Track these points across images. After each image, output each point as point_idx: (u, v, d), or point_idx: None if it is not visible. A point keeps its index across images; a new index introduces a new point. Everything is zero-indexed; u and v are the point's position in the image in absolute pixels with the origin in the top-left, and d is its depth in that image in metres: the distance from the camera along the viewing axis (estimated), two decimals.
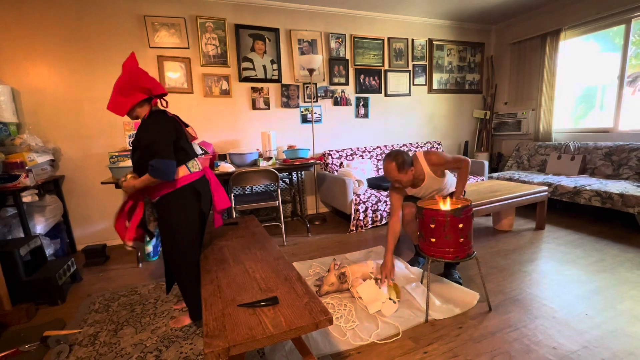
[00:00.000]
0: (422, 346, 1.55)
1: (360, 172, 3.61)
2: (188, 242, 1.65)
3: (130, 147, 2.88)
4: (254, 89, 3.58)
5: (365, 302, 1.85)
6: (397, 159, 1.89)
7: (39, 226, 2.64)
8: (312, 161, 3.22)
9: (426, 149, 2.08)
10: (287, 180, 3.80)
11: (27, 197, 2.57)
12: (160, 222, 1.65)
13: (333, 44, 3.85)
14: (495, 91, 4.82)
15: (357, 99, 4.10)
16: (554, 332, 1.59)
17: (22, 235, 2.50)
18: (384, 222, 3.38)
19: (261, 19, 3.51)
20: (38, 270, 2.21)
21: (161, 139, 1.52)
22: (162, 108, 1.65)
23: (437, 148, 4.47)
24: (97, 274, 2.61)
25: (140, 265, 2.72)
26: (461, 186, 2.05)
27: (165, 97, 1.66)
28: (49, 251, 2.69)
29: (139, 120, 1.64)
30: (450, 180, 2.19)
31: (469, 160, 2.05)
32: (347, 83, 4.00)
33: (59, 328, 1.85)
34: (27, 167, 2.52)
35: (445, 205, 1.77)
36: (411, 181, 1.99)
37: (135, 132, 2.87)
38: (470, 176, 3.93)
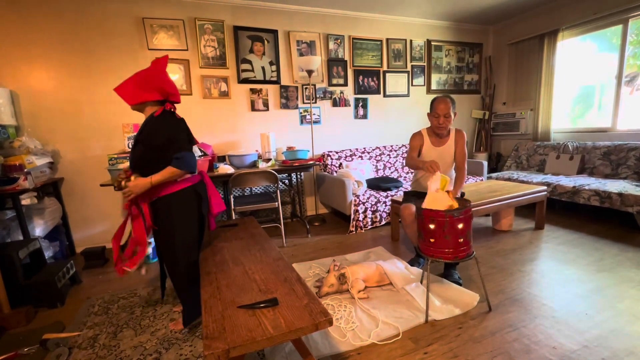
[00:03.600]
0: (422, 347, 1.55)
1: (360, 173, 3.61)
2: (185, 245, 1.64)
3: (130, 149, 2.89)
4: (252, 91, 3.58)
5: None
6: (453, 100, 2.14)
7: (38, 229, 2.64)
8: (311, 162, 3.22)
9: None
10: (287, 181, 3.80)
11: (26, 200, 2.57)
12: (158, 223, 1.64)
13: (332, 45, 3.86)
14: (493, 91, 4.83)
15: (356, 99, 4.11)
16: (553, 332, 1.59)
17: (21, 238, 2.49)
18: (383, 222, 3.38)
19: (260, 20, 3.51)
20: (37, 273, 2.21)
21: (181, 134, 1.57)
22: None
23: None
24: (97, 276, 2.61)
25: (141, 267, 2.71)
26: (458, 186, 2.19)
27: (176, 104, 1.68)
28: (48, 254, 2.69)
29: (140, 115, 1.65)
30: (452, 174, 2.35)
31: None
32: (345, 84, 4.01)
33: (58, 331, 1.85)
34: (26, 170, 2.51)
35: (445, 202, 1.77)
36: (446, 128, 2.17)
37: (136, 132, 2.89)
38: (469, 176, 3.93)
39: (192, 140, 1.68)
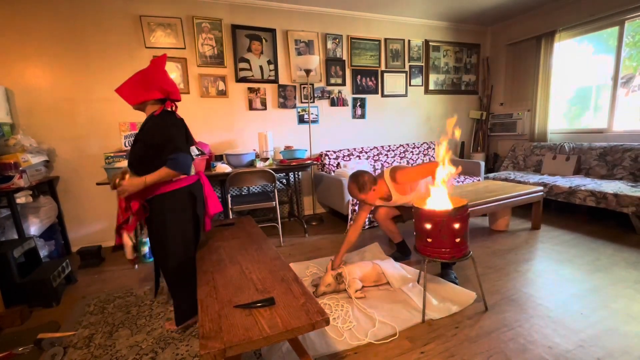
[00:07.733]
0: (419, 346, 1.55)
1: None
2: (178, 245, 1.64)
3: (127, 147, 2.88)
4: (250, 90, 3.57)
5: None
6: (358, 180, 2.03)
7: (33, 227, 2.62)
8: (309, 162, 3.21)
9: (394, 166, 2.13)
10: (284, 180, 3.80)
11: (21, 198, 2.55)
12: (152, 222, 1.64)
13: (330, 45, 3.85)
14: (491, 92, 4.84)
15: (354, 99, 4.10)
16: (549, 332, 1.60)
17: (16, 236, 2.48)
18: None
19: (258, 19, 3.50)
20: (32, 272, 2.19)
21: (179, 136, 1.57)
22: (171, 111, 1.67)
23: (433, 149, 4.49)
24: (92, 275, 2.59)
25: (136, 266, 2.70)
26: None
27: (177, 103, 1.68)
28: (43, 253, 2.66)
29: (141, 114, 1.67)
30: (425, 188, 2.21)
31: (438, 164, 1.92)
32: (344, 84, 4.00)
33: (53, 330, 1.83)
34: (21, 168, 2.49)
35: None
36: (376, 198, 2.14)
37: (134, 131, 2.88)
38: (466, 176, 3.94)
39: (190, 141, 1.68)
